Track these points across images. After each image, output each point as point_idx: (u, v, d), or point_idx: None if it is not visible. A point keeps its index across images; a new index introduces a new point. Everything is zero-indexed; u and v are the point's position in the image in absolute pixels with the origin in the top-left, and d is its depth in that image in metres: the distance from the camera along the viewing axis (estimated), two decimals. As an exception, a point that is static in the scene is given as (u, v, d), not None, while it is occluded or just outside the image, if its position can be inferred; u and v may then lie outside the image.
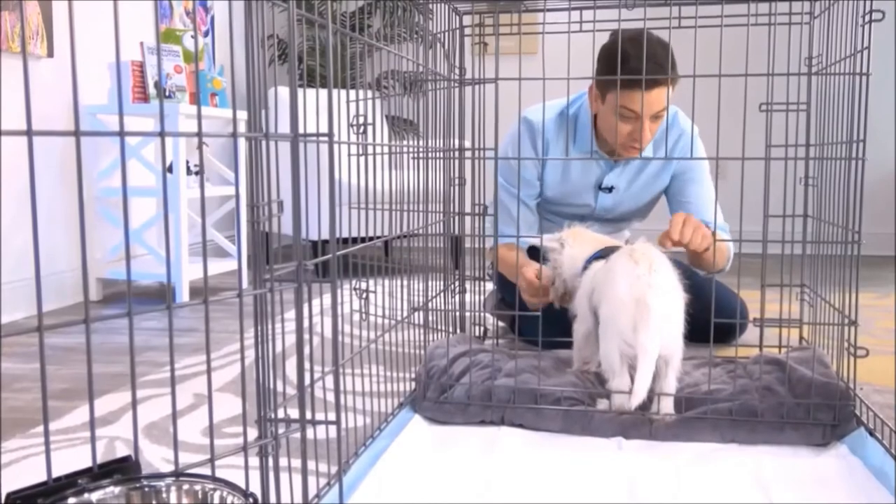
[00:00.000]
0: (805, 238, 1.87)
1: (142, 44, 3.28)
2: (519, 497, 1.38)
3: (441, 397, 1.78)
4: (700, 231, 2.01)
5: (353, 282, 1.87)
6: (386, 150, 2.04)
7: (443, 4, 2.12)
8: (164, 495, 0.91)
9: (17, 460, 1.58)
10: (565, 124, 2.32)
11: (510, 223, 2.35)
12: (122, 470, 0.91)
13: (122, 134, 0.85)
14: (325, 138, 1.10)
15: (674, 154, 2.34)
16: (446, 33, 2.15)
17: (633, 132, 2.13)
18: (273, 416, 1.07)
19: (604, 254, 1.86)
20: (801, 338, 2.13)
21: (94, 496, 0.87)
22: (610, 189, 2.38)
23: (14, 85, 2.88)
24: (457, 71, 2.17)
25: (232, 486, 0.91)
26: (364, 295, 1.92)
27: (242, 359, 0.94)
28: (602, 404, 1.72)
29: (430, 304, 2.08)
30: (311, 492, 1.27)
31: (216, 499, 0.92)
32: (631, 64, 1.93)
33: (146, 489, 0.91)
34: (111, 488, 0.89)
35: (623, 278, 1.67)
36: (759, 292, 1.73)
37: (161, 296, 3.53)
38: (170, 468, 1.47)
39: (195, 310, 3.11)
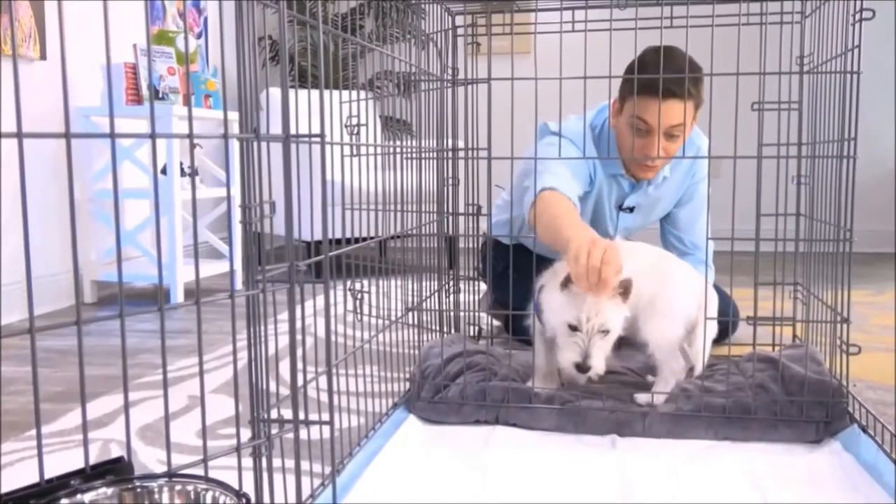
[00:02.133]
0: (798, 236, 1.88)
1: (135, 45, 3.28)
2: (514, 496, 1.39)
3: (435, 397, 1.78)
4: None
5: (348, 282, 1.87)
6: (379, 150, 2.04)
7: (435, 5, 2.12)
8: (157, 496, 0.91)
9: (11, 463, 1.57)
10: (592, 139, 2.28)
11: (558, 176, 2.05)
12: (115, 471, 0.91)
13: (112, 136, 0.85)
14: (318, 139, 1.10)
15: (685, 178, 2.33)
16: (439, 33, 2.15)
17: (646, 146, 2.07)
18: (266, 416, 1.07)
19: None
20: (794, 336, 2.14)
21: (87, 497, 0.88)
22: (631, 209, 2.36)
23: (5, 87, 2.88)
24: (450, 71, 2.17)
25: (224, 487, 0.92)
26: (358, 295, 1.92)
27: (235, 360, 0.94)
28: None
29: (424, 305, 2.08)
30: (305, 492, 1.27)
31: (208, 499, 0.92)
32: (650, 71, 1.89)
33: (138, 490, 0.91)
34: (104, 489, 0.89)
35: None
36: (753, 290, 1.74)
37: (155, 297, 3.52)
38: (164, 470, 1.47)
39: (190, 311, 3.10)
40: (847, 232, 1.64)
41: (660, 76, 1.76)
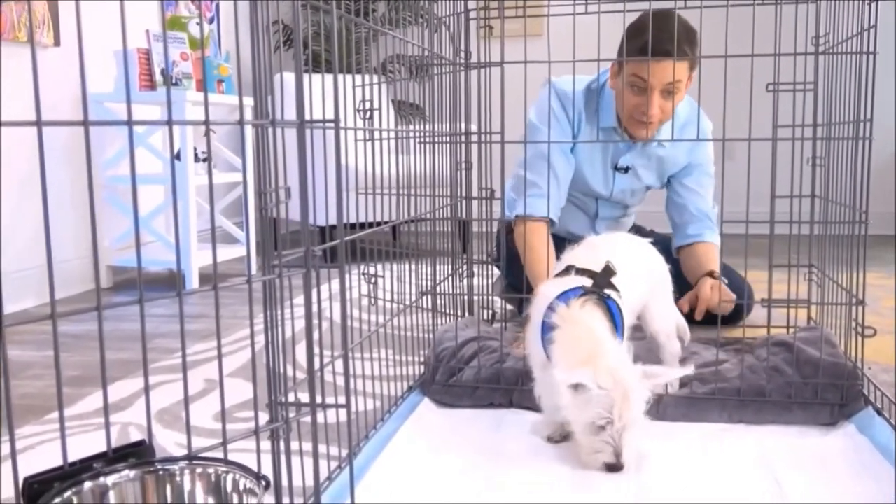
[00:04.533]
0: (813, 218, 1.87)
1: (147, 31, 3.28)
2: (527, 479, 1.39)
3: (450, 380, 1.79)
4: (727, 296, 2.10)
5: (362, 267, 1.88)
6: (392, 134, 2.04)
7: (447, -12, 2.11)
8: (178, 478, 0.92)
9: (31, 446, 1.59)
10: (593, 99, 2.30)
11: (537, 196, 2.22)
12: (137, 454, 0.93)
13: (130, 123, 0.86)
14: (332, 124, 1.10)
15: (691, 150, 2.33)
16: (451, 17, 2.14)
17: (642, 105, 2.11)
18: (284, 399, 1.08)
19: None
20: (808, 318, 2.14)
21: (110, 480, 0.89)
22: (626, 170, 2.36)
23: (21, 75, 2.89)
24: (462, 55, 2.17)
25: (244, 469, 0.93)
26: (372, 280, 1.93)
27: (252, 344, 0.95)
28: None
29: (438, 289, 2.08)
30: (322, 475, 1.28)
31: (229, 481, 0.93)
32: (646, 35, 1.93)
33: (160, 472, 0.92)
34: (126, 472, 0.90)
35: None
36: (767, 273, 1.73)
37: (170, 283, 3.55)
38: (182, 453, 1.49)
39: (204, 296, 3.12)
40: (863, 213, 1.63)
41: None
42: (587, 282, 1.58)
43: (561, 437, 1.55)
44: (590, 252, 1.69)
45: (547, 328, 1.50)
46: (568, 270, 1.64)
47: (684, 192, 2.39)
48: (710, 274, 2.18)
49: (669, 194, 2.44)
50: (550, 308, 1.51)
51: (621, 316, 1.54)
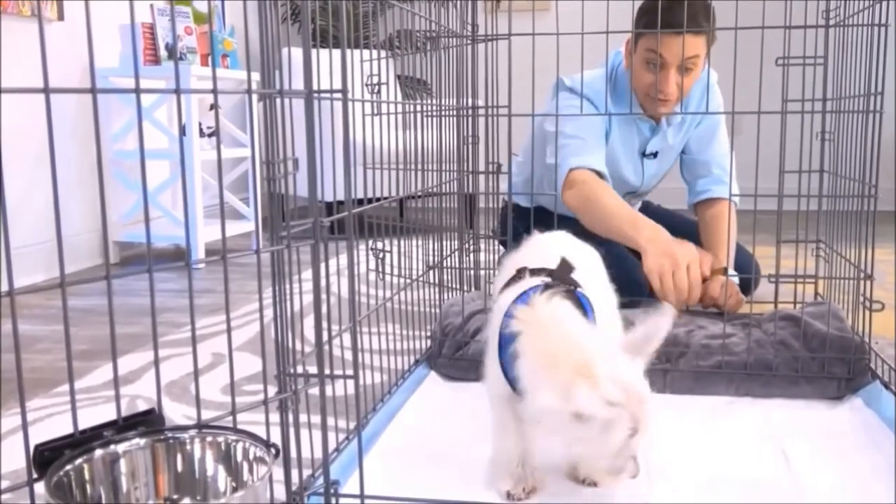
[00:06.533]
0: (821, 193, 1.86)
1: (152, 6, 3.26)
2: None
3: (456, 354, 1.79)
4: (736, 297, 2.10)
5: (369, 242, 1.88)
6: (400, 108, 2.03)
7: (454, -40, 2.10)
8: (189, 447, 0.93)
9: (40, 419, 1.60)
10: (605, 88, 2.27)
11: (582, 151, 2.14)
12: (147, 422, 0.93)
13: (137, 91, 0.86)
14: (339, 95, 1.09)
15: (699, 107, 2.31)
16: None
17: (660, 81, 2.08)
18: (293, 371, 1.09)
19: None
20: (816, 293, 2.13)
21: (120, 448, 0.89)
22: (655, 154, 2.35)
23: (26, 50, 2.88)
24: (469, 28, 2.15)
25: (254, 438, 0.93)
26: (380, 255, 1.93)
27: (261, 316, 0.95)
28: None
29: (444, 263, 2.08)
30: (331, 446, 1.28)
31: (239, 450, 0.93)
32: (664, 6, 1.89)
33: (171, 441, 0.92)
34: (136, 440, 0.91)
35: None
36: (775, 248, 1.73)
37: (176, 258, 3.55)
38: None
39: (211, 271, 3.13)
40: (872, 188, 1.62)
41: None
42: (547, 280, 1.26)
43: (526, 492, 1.23)
44: (538, 251, 1.38)
45: (508, 341, 1.16)
46: (520, 274, 1.30)
47: (693, 145, 2.37)
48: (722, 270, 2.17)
49: (682, 156, 2.43)
50: (508, 316, 1.17)
51: (594, 312, 1.23)
